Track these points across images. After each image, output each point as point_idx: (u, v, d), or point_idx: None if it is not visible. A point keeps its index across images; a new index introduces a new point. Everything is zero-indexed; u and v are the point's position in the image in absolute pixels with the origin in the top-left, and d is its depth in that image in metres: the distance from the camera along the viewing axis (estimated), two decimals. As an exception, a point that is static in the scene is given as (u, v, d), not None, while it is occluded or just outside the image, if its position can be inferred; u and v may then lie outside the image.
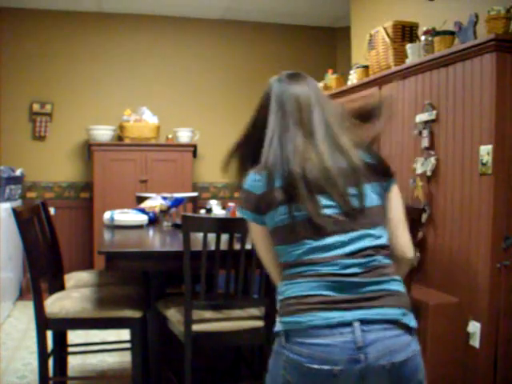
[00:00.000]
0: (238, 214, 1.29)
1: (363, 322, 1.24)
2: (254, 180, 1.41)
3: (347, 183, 1.36)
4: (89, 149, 5.25)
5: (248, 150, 1.52)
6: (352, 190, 1.36)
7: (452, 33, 2.75)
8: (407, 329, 1.29)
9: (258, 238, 1.46)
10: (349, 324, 1.23)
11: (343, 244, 1.32)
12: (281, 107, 1.45)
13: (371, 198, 1.39)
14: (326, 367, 1.22)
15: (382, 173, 1.46)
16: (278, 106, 1.46)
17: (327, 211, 1.33)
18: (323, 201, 1.34)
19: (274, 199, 1.36)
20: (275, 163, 1.38)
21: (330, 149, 1.38)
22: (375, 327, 1.24)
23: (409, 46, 3.05)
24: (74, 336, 3.50)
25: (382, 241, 1.37)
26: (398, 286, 1.36)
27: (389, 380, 1.24)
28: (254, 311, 2.37)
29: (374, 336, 1.23)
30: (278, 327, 1.34)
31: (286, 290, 1.35)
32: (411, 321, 1.32)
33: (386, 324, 1.26)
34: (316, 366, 1.22)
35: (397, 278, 1.37)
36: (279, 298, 1.38)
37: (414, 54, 3.01)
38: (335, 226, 1.32)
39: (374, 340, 1.23)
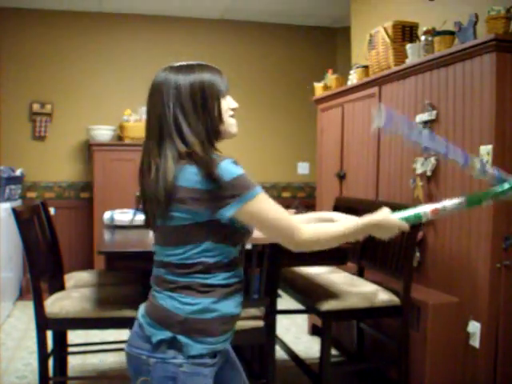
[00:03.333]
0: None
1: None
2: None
3: None
4: (89, 149, 5.26)
5: None
6: None
7: (452, 33, 2.75)
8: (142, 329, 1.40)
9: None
10: None
11: None
12: None
13: None
14: None
15: None
16: None
17: None
18: None
19: None
20: None
21: None
22: None
23: (409, 46, 3.05)
24: (74, 336, 3.50)
25: None
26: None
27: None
28: (254, 311, 2.38)
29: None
30: None
31: None
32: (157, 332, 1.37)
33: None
34: None
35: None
36: None
37: (413, 53, 3.01)
38: None
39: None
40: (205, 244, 1.35)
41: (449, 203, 1.49)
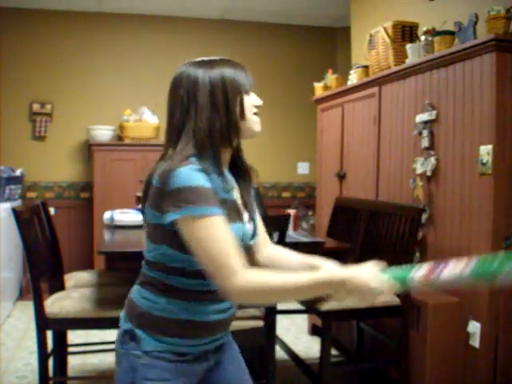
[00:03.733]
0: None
1: None
2: None
3: None
4: (89, 149, 5.26)
5: None
6: None
7: (452, 33, 2.75)
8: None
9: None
10: None
11: None
12: None
13: None
14: None
15: None
16: None
17: None
18: None
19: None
20: None
21: None
22: None
23: (409, 46, 3.05)
24: (74, 336, 3.50)
25: None
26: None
27: None
28: (254, 311, 2.37)
29: None
30: None
31: None
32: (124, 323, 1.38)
33: None
34: None
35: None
36: None
37: (413, 54, 3.01)
38: None
39: None
40: (162, 247, 1.29)
41: (448, 274, 1.18)
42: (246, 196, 1.43)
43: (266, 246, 1.52)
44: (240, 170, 1.44)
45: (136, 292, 1.37)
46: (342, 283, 1.19)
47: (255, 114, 1.38)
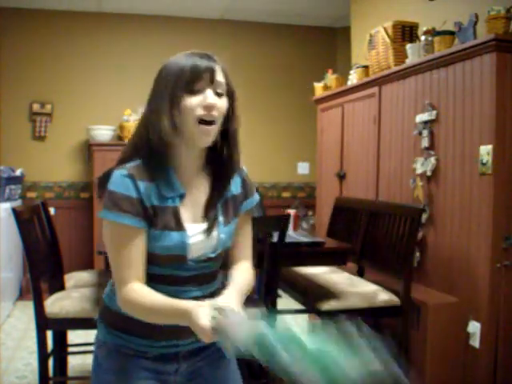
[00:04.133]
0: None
1: None
2: None
3: None
4: (89, 149, 5.26)
5: None
6: None
7: (452, 33, 2.75)
8: None
9: None
10: None
11: None
12: None
13: None
14: None
15: None
16: None
17: None
18: None
19: None
20: None
21: None
22: None
23: (409, 46, 3.05)
24: (74, 336, 3.50)
25: None
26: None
27: None
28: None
29: None
30: None
31: None
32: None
33: None
34: None
35: None
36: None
37: (414, 54, 3.01)
38: None
39: None
40: None
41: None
42: (213, 202, 1.30)
43: (237, 263, 1.38)
44: (216, 174, 1.31)
45: (109, 285, 1.41)
46: (187, 315, 1.10)
47: (202, 120, 1.19)
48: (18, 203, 4.79)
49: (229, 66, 1.26)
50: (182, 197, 1.26)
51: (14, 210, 2.37)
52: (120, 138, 5.28)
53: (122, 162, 1.24)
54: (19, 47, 5.26)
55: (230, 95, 1.25)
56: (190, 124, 1.19)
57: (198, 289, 1.30)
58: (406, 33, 3.19)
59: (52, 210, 4.78)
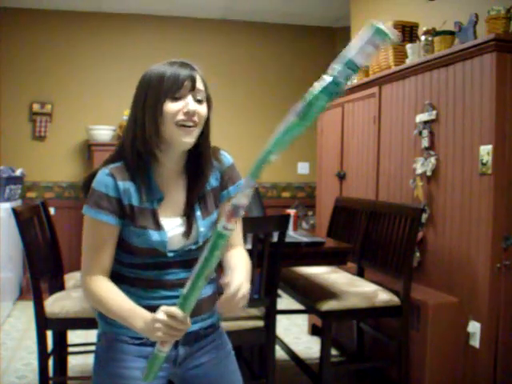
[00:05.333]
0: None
1: None
2: None
3: None
4: (89, 149, 5.26)
5: None
6: None
7: (452, 33, 2.75)
8: None
9: None
10: None
11: None
12: None
13: None
14: None
15: None
16: None
17: None
18: None
19: None
20: None
21: None
22: None
23: (409, 46, 3.05)
24: (74, 336, 3.50)
25: None
26: None
27: None
28: (254, 311, 2.38)
29: None
30: None
31: None
32: None
33: None
34: None
35: None
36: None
37: (414, 53, 3.01)
38: None
39: None
40: None
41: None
42: (190, 201, 1.36)
43: (230, 250, 1.42)
44: (192, 173, 1.37)
45: None
46: (131, 317, 1.24)
47: (183, 124, 1.25)
48: (18, 203, 4.79)
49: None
50: (160, 200, 1.33)
51: (14, 210, 2.37)
52: (120, 137, 5.27)
53: (107, 162, 1.33)
54: (19, 47, 5.26)
55: (208, 102, 1.32)
56: (171, 128, 1.26)
57: (183, 271, 1.35)
58: (406, 33, 3.19)
59: (52, 210, 4.79)
